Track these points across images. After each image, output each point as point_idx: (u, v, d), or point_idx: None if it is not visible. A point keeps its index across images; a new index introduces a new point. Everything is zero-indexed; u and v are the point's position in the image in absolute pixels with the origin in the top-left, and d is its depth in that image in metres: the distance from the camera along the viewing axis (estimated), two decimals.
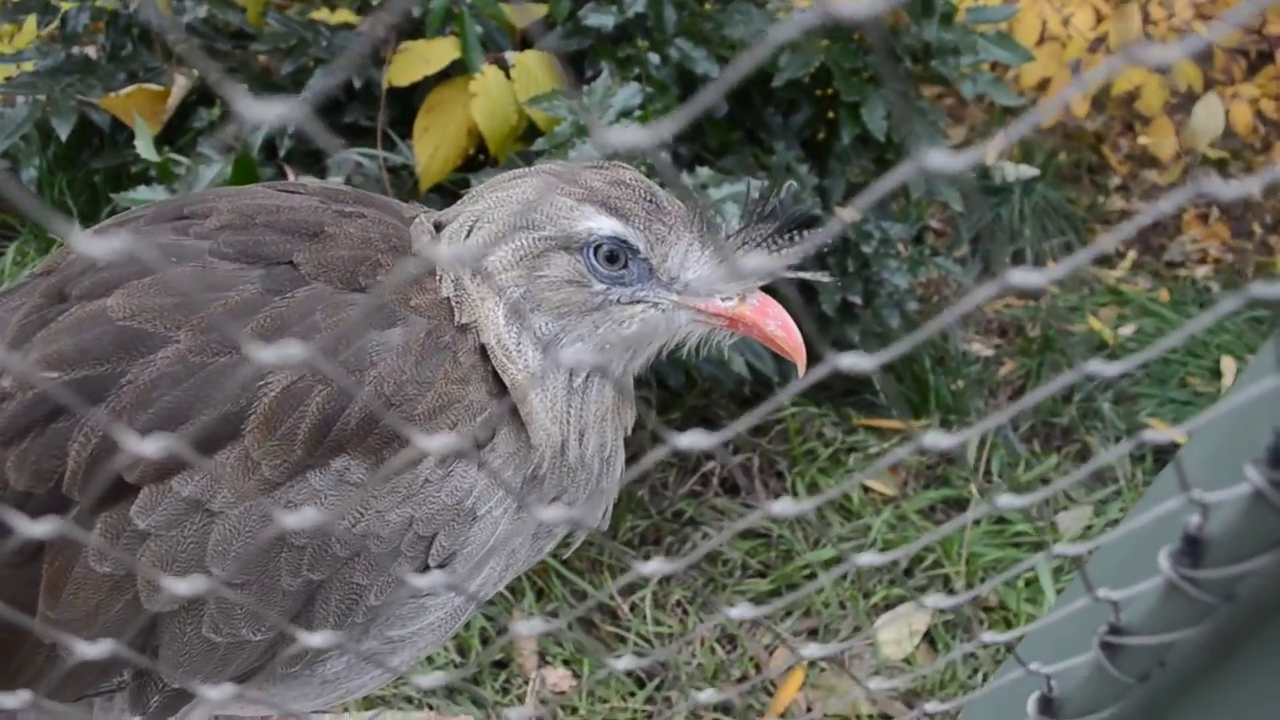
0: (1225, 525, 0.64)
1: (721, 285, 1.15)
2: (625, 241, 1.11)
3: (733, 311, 1.16)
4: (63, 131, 2.59)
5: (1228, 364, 3.49)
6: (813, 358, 2.81)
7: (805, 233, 1.18)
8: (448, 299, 1.11)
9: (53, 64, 2.74)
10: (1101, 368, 0.59)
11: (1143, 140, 4.81)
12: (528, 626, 0.72)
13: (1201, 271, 4.41)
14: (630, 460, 1.30)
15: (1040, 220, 4.23)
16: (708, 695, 0.85)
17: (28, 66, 2.81)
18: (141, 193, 2.02)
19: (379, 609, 1.05)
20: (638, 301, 1.14)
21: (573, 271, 1.12)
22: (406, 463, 1.00)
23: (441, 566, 1.08)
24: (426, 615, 1.10)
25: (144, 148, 2.16)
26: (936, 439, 0.64)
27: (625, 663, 0.79)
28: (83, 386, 0.97)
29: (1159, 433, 0.69)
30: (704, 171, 2.14)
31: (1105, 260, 4.39)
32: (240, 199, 1.14)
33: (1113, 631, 0.74)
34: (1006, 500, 0.69)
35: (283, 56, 2.76)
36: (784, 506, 0.68)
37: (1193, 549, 0.66)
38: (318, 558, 1.01)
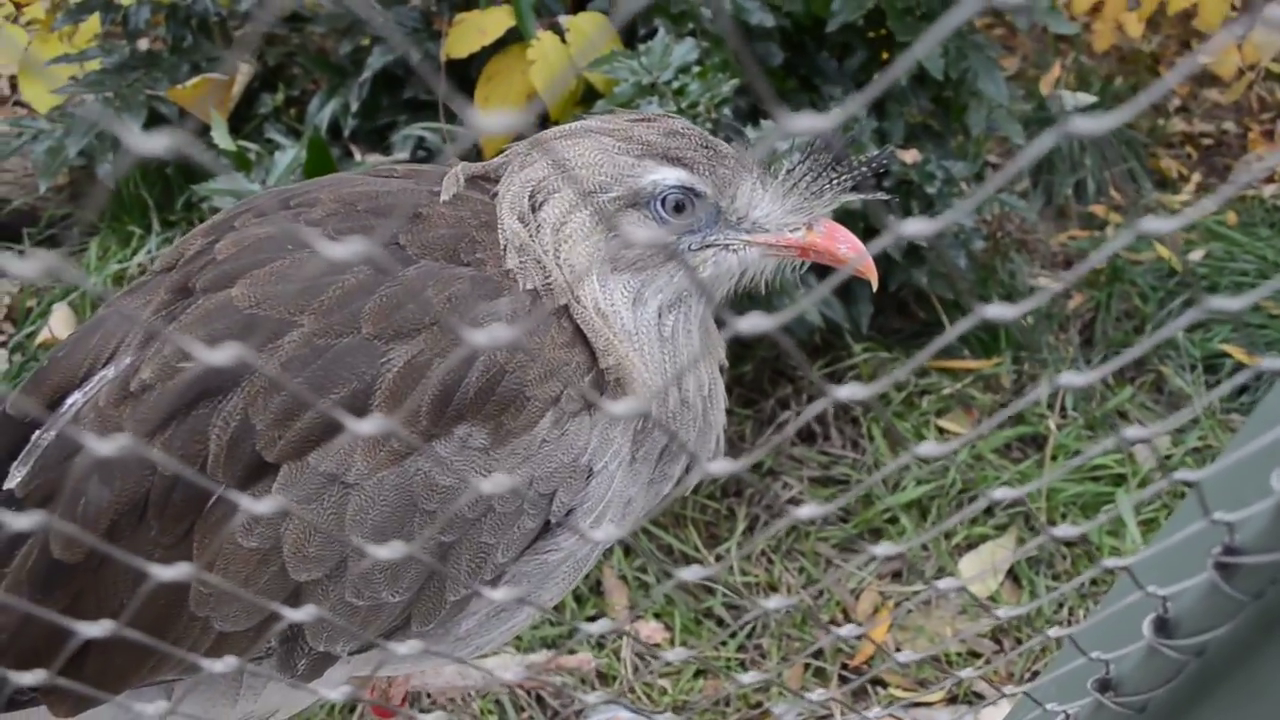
0: None
1: (789, 217, 1.18)
2: (691, 189, 1.15)
3: (803, 241, 1.19)
4: (134, 126, 2.67)
5: None
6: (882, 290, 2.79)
7: (864, 158, 1.21)
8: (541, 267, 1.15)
9: (118, 60, 2.81)
10: (1226, 303, 0.60)
11: (1203, 59, 4.69)
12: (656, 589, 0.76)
13: (1270, 190, 4.30)
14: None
15: (1100, 148, 4.15)
16: (776, 602, 0.89)
17: (93, 65, 2.89)
18: (222, 182, 2.08)
19: (506, 565, 1.11)
20: (709, 245, 1.17)
21: (644, 225, 1.15)
22: (526, 426, 1.05)
23: (561, 522, 1.13)
24: (552, 570, 1.16)
25: (220, 137, 2.22)
26: (1071, 378, 0.66)
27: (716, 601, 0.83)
28: (218, 375, 1.02)
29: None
30: (767, 124, 2.14)
31: (1169, 184, 4.30)
32: (340, 188, 1.19)
33: (1228, 552, 0.76)
34: (1103, 444, 0.72)
35: (340, 37, 2.81)
36: (879, 473, 0.70)
37: None
38: (449, 520, 1.06)
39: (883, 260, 2.77)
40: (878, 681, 2.21)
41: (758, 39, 2.61)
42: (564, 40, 2.47)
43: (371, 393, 1.03)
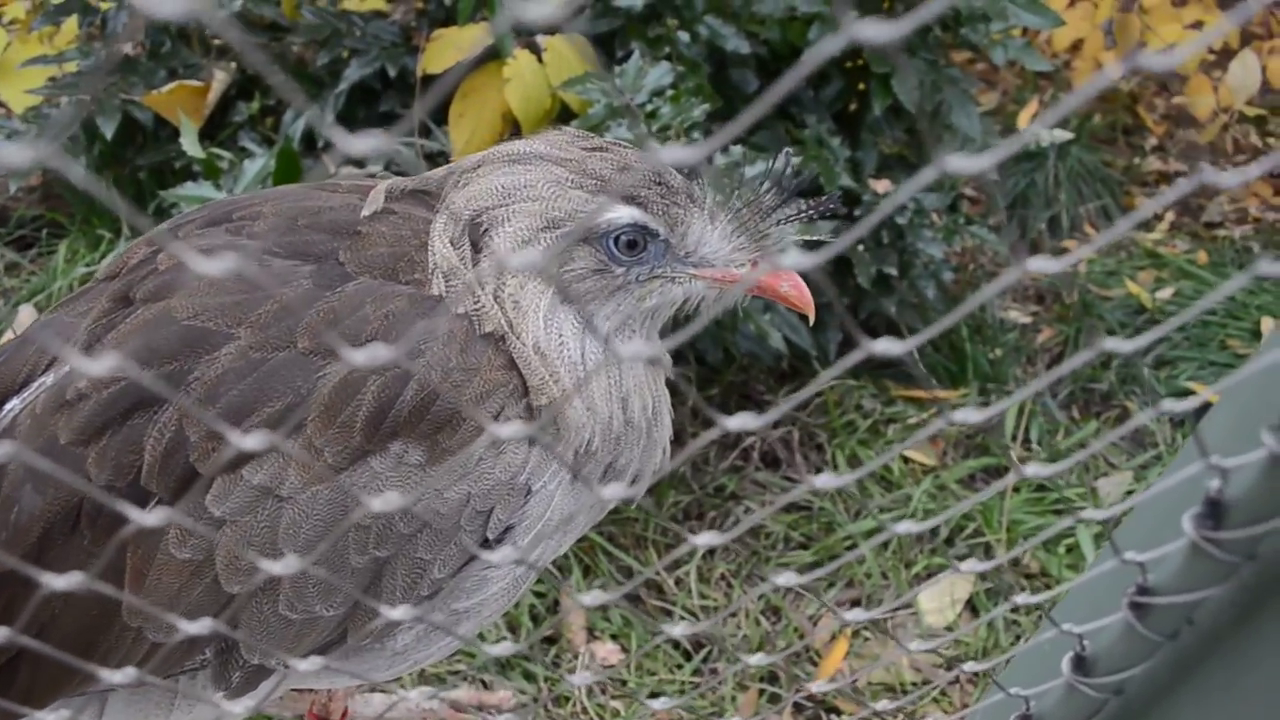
0: (1244, 488, 0.67)
1: (735, 254, 1.19)
2: (645, 227, 1.15)
3: (746, 276, 1.19)
4: (108, 130, 2.66)
5: (1267, 325, 3.46)
6: (846, 331, 2.80)
7: (811, 200, 1.22)
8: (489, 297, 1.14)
9: (94, 64, 2.81)
10: (1119, 345, 0.62)
11: (1178, 100, 4.76)
12: (589, 597, 0.76)
13: (1240, 232, 4.36)
14: (676, 441, 1.35)
15: (1076, 184, 4.20)
16: (757, 659, 0.89)
17: (70, 67, 2.88)
18: (189, 189, 2.08)
19: (443, 582, 1.10)
20: (656, 277, 1.18)
21: (595, 261, 1.15)
22: (461, 444, 1.05)
23: (499, 540, 1.13)
24: (489, 586, 1.16)
25: (189, 145, 2.21)
26: (966, 414, 0.68)
27: (679, 630, 0.83)
28: (152, 385, 1.02)
29: (1181, 402, 0.71)
30: (736, 149, 2.16)
31: (1143, 223, 4.35)
32: (282, 202, 1.19)
33: (1141, 592, 0.77)
34: (1034, 469, 0.73)
35: (318, 48, 2.81)
36: (826, 480, 0.71)
37: (1214, 511, 0.68)
38: (383, 535, 1.06)
39: (853, 290, 2.80)
40: (832, 709, 2.21)
41: (733, 65, 2.63)
42: (540, 59, 2.48)
43: (306, 407, 1.03)
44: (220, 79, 2.74)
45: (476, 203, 1.17)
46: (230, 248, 1.11)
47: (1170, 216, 4.42)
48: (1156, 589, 0.75)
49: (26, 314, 2.80)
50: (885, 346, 0.61)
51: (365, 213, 1.16)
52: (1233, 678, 0.76)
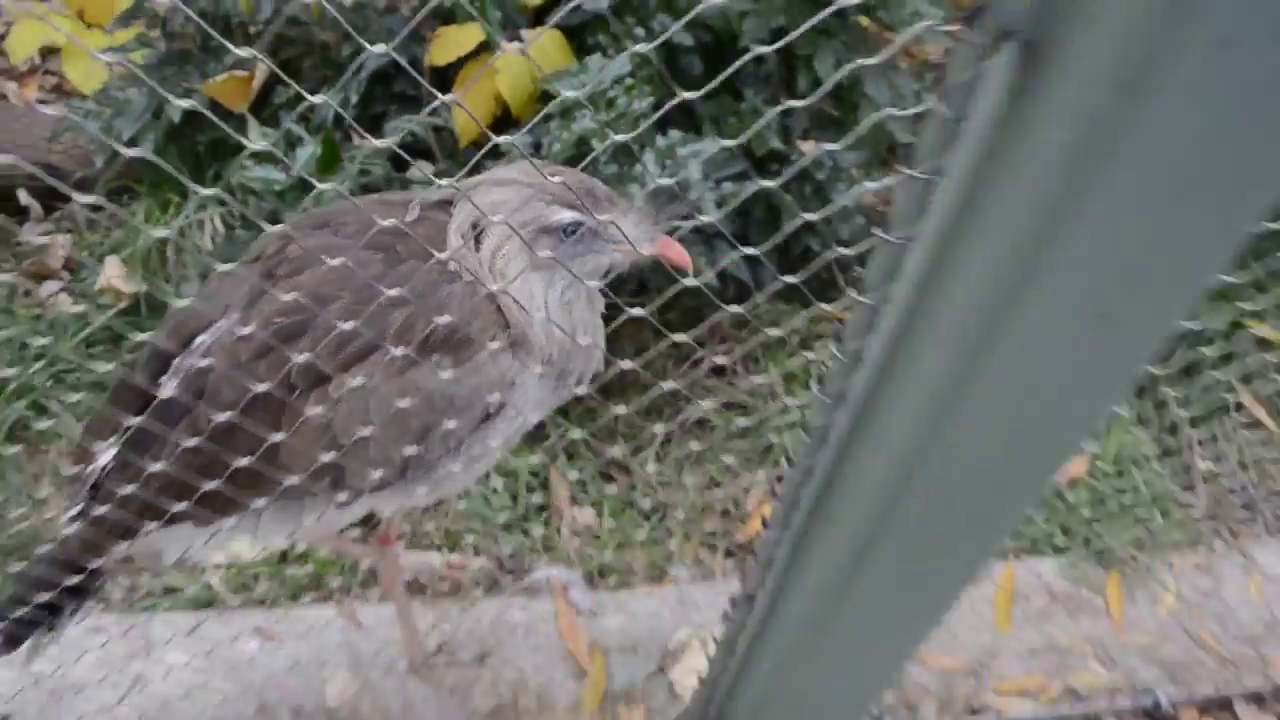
0: None
1: (639, 235, 1.81)
2: (580, 223, 1.77)
3: (646, 250, 1.81)
4: (175, 114, 3.27)
5: None
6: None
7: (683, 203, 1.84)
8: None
9: (157, 58, 3.41)
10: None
11: None
12: (572, 474, 1.40)
13: None
14: (638, 352, 1.98)
15: None
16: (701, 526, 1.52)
17: (136, 57, 3.47)
18: (257, 172, 2.70)
19: (463, 439, 1.75)
20: (591, 253, 1.81)
21: (551, 244, 1.77)
22: (472, 356, 1.71)
23: (496, 415, 1.78)
24: (491, 441, 1.81)
25: (255, 137, 2.83)
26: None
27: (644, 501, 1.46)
28: (294, 326, 1.66)
29: None
30: (674, 133, 2.77)
31: None
32: (356, 215, 1.82)
33: None
34: None
35: (341, 39, 3.41)
36: (758, 380, 1.31)
37: None
38: (428, 410, 1.70)
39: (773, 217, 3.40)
40: (752, 553, 2.92)
41: (682, 54, 3.22)
42: (524, 53, 3.07)
43: (384, 336, 1.67)
44: (262, 70, 3.34)
45: (471, 213, 1.80)
46: (333, 243, 1.75)
47: None
48: None
49: (114, 264, 3.44)
50: (787, 278, 1.22)
51: (408, 218, 1.79)
52: None
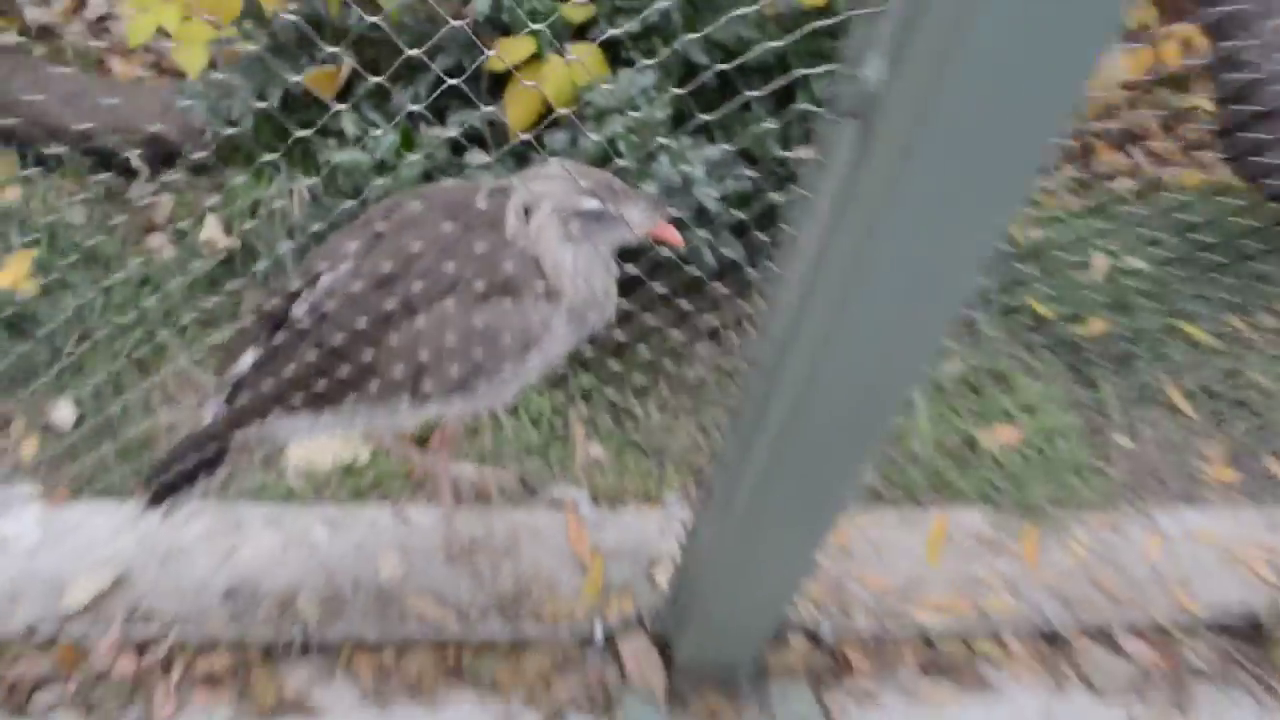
0: None
1: (645, 220, 2.42)
2: (604, 210, 2.39)
3: (649, 231, 2.43)
4: (274, 99, 3.91)
5: (1098, 259, 4.67)
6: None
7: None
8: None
9: (259, 50, 4.04)
10: None
11: None
12: (582, 415, 2.00)
13: (1123, 184, 5.50)
14: (645, 317, 2.61)
15: None
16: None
17: (249, 43, 4.11)
18: (346, 154, 3.33)
19: (513, 361, 2.38)
20: (609, 231, 2.43)
21: (580, 224, 2.38)
22: (523, 300, 2.33)
23: (534, 345, 2.40)
24: (530, 365, 2.43)
25: (349, 126, 3.46)
26: None
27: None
28: (394, 271, 2.29)
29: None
30: (685, 139, 3.38)
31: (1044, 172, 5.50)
32: (442, 194, 2.44)
33: None
34: None
35: (415, 43, 4.03)
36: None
37: None
38: (491, 335, 2.32)
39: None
40: None
41: (702, 69, 3.82)
42: (567, 63, 3.69)
43: (458, 283, 2.29)
44: (347, 65, 3.97)
45: (525, 199, 2.42)
46: (424, 214, 2.37)
47: (1071, 170, 5.57)
48: None
49: (213, 222, 4.09)
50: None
51: (479, 199, 2.41)
52: None
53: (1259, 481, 4.02)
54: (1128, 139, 5.79)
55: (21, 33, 5.26)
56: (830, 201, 1.63)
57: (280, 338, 2.29)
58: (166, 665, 2.83)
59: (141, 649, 2.86)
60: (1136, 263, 4.63)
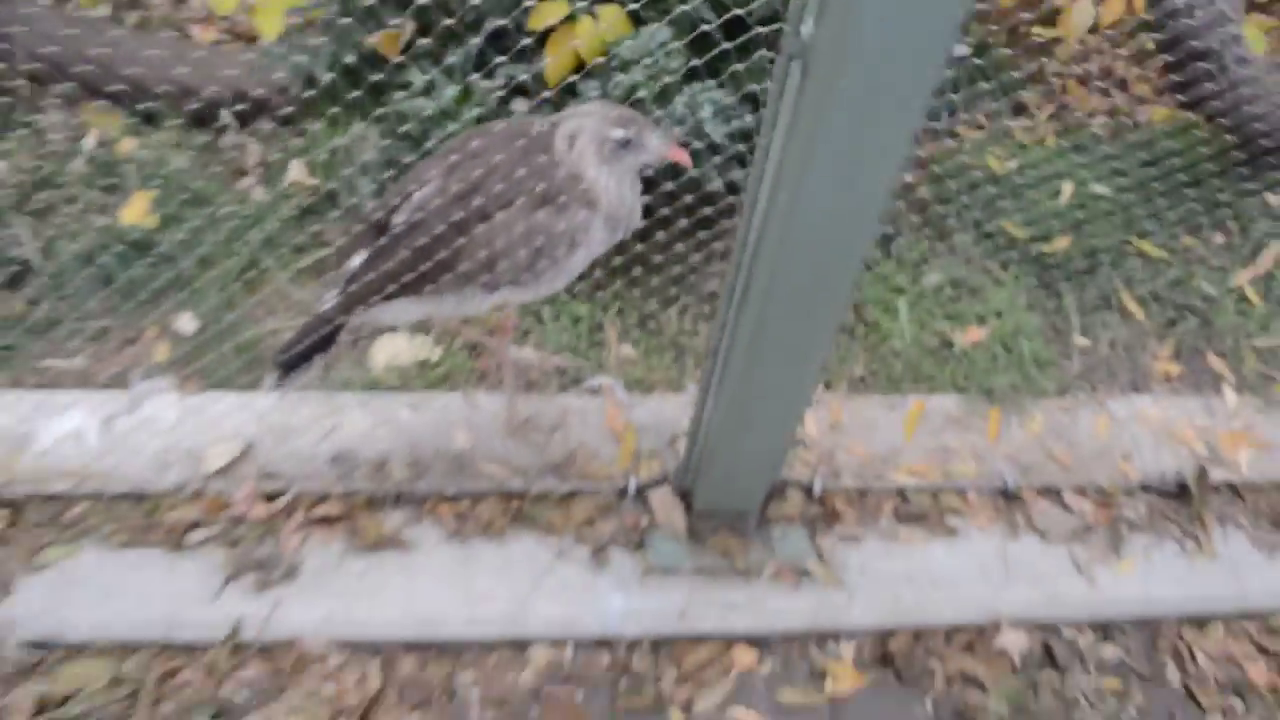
0: None
1: (662, 146, 3.08)
2: (629, 138, 3.05)
3: (665, 154, 3.10)
4: (347, 57, 4.59)
5: (1066, 187, 5.28)
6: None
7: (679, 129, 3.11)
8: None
9: (332, 15, 4.71)
10: None
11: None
12: (615, 326, 2.68)
13: (1097, 121, 6.07)
14: (667, 229, 3.28)
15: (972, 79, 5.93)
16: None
17: (318, 13, 4.78)
18: (416, 103, 4.01)
19: (561, 255, 3.06)
20: (634, 154, 3.09)
21: (612, 149, 3.04)
22: (570, 207, 3.00)
23: (578, 244, 3.08)
24: (575, 259, 3.10)
25: (415, 77, 4.14)
26: None
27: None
28: (470, 186, 2.96)
29: None
30: (696, 85, 4.03)
31: (1024, 112, 6.09)
32: (501, 129, 3.11)
33: None
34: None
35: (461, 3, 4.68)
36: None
37: None
38: (546, 234, 2.99)
39: None
40: None
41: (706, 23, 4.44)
42: (595, 20, 4.33)
43: (520, 194, 2.96)
44: (408, 28, 4.63)
45: (570, 129, 3.07)
46: (490, 143, 3.03)
47: (1050, 109, 6.15)
48: None
49: (297, 166, 4.79)
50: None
51: (532, 130, 3.08)
52: None
53: (1200, 375, 4.65)
54: (1109, 80, 6.35)
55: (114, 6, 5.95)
56: (787, 118, 2.28)
57: (383, 240, 2.99)
58: (290, 510, 3.57)
59: (269, 498, 3.59)
60: (1101, 189, 5.24)
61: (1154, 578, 3.84)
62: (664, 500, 3.68)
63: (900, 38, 1.94)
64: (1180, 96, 5.08)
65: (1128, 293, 4.84)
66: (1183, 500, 4.09)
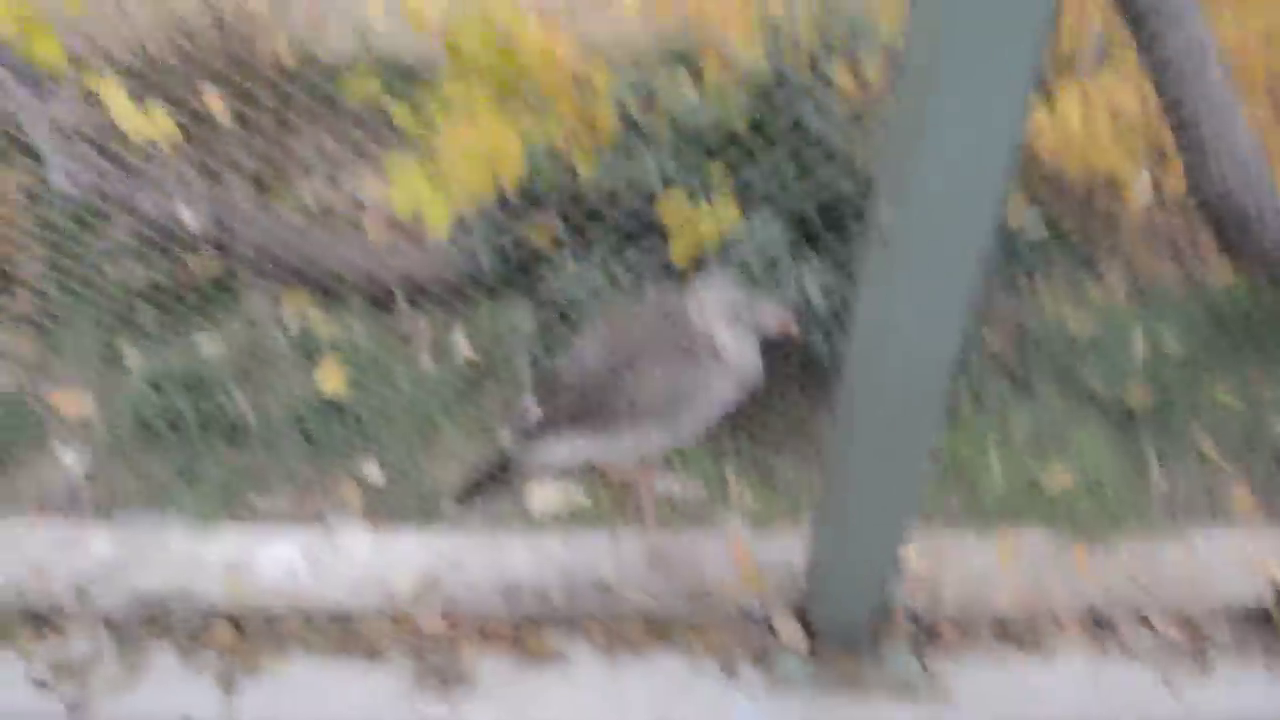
0: None
1: (772, 318, 3.77)
2: (748, 305, 3.77)
3: (777, 324, 3.79)
4: (507, 246, 5.47)
5: (1139, 343, 5.81)
6: None
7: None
8: None
9: (492, 209, 5.64)
10: None
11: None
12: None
13: (1168, 280, 6.61)
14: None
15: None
16: None
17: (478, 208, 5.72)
18: (568, 284, 4.84)
19: (700, 400, 3.74)
20: (752, 320, 3.80)
21: (735, 314, 3.77)
22: (704, 364, 3.72)
23: (711, 393, 3.76)
24: (711, 406, 3.79)
25: (567, 264, 4.99)
26: None
27: None
28: (630, 348, 3.70)
29: None
30: (803, 265, 4.76)
31: (1096, 272, 6.67)
32: (653, 303, 3.86)
33: None
34: None
35: (605, 199, 5.57)
36: None
37: None
38: (686, 387, 3.70)
39: None
40: None
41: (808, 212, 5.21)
42: (711, 209, 5.14)
43: (664, 349, 3.69)
44: (558, 226, 5.52)
45: (700, 298, 3.80)
46: (635, 313, 3.79)
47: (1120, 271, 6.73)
48: None
49: (462, 341, 5.64)
50: None
51: (669, 298, 3.83)
52: None
53: (1276, 509, 5.04)
54: (1174, 246, 6.93)
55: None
56: (872, 275, 2.97)
57: (553, 389, 3.73)
58: (466, 629, 4.22)
59: (448, 618, 4.25)
60: (1173, 344, 5.76)
61: (1241, 696, 4.18)
62: (785, 622, 4.21)
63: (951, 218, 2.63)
64: (1232, 259, 5.64)
65: (1204, 436, 5.29)
66: (1266, 624, 4.45)
